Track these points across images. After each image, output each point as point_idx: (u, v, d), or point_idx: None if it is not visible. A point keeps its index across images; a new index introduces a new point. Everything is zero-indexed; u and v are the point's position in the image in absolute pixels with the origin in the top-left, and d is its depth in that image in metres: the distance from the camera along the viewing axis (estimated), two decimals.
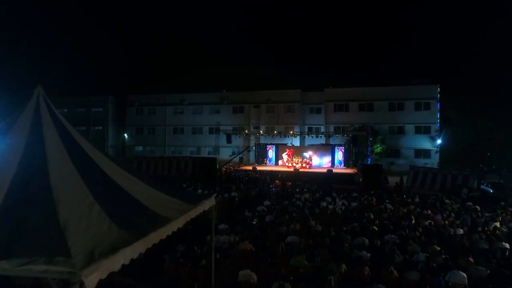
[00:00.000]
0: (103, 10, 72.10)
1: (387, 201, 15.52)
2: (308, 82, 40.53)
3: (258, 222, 11.32)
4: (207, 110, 42.16)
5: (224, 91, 41.69)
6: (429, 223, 11.04)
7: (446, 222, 11.93)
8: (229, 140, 29.81)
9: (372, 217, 12.32)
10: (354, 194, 18.10)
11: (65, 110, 46.77)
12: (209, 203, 6.39)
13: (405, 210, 14.16)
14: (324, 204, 14.83)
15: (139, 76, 52.47)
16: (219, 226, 10.64)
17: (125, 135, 45.09)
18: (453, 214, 13.45)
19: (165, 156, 38.49)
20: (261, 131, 32.84)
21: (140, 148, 45.01)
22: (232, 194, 17.63)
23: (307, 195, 17.30)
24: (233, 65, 47.87)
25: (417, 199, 17.21)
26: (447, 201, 16.61)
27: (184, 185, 21.04)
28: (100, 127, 45.55)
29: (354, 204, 15.01)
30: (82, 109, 46.04)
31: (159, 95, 43.73)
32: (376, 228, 10.43)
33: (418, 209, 14.07)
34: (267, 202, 14.96)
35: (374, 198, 16.80)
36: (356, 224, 10.58)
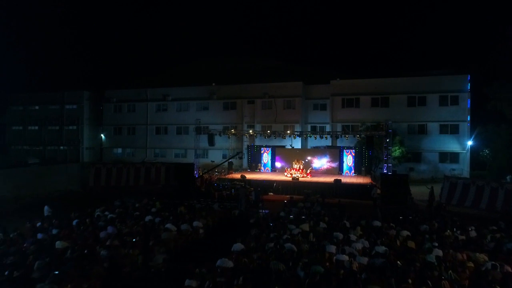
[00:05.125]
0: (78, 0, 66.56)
1: (436, 244, 9.56)
2: (312, 74, 34.67)
3: None
4: (194, 106, 36.44)
5: (213, 84, 35.97)
6: None
7: None
8: (211, 142, 24.07)
9: None
10: (376, 223, 12.20)
11: (36, 107, 41.70)
12: None
13: (471, 264, 8.28)
14: (333, 249, 8.99)
15: (117, 68, 46.84)
16: None
17: (102, 135, 39.48)
18: None
19: (146, 160, 32.94)
20: (250, 131, 26.93)
21: (119, 150, 39.37)
22: (195, 224, 11.84)
23: (306, 226, 11.46)
24: (224, 56, 41.98)
25: (473, 232, 11.34)
26: None
27: (137, 205, 15.34)
28: (75, 127, 40.05)
29: (381, 249, 9.13)
30: (54, 106, 40.74)
31: (139, 90, 38.07)
32: None
33: (492, 262, 8.17)
34: (238, 246, 9.14)
35: (408, 233, 10.92)
36: None
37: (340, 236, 10.38)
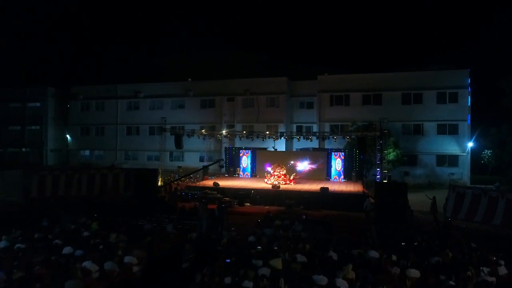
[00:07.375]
0: None
1: None
2: (297, 69, 31.82)
3: None
4: (168, 104, 33.23)
5: (189, 80, 32.79)
6: None
7: None
8: (178, 144, 20.87)
9: None
10: (372, 255, 9.20)
11: None
12: None
13: None
14: None
15: (85, 62, 43.29)
16: None
17: (68, 136, 35.92)
18: None
19: (116, 164, 29.58)
20: (223, 132, 23.80)
21: (87, 152, 35.88)
22: (127, 260, 8.65)
23: (279, 263, 8.37)
24: (202, 49, 38.82)
25: (502, 269, 8.43)
26: None
27: (72, 227, 12.07)
28: (38, 127, 36.41)
29: None
30: (16, 104, 37.14)
31: (108, 86, 34.66)
32: None
33: None
34: None
35: (418, 273, 7.94)
36: None
37: (324, 281, 7.35)
